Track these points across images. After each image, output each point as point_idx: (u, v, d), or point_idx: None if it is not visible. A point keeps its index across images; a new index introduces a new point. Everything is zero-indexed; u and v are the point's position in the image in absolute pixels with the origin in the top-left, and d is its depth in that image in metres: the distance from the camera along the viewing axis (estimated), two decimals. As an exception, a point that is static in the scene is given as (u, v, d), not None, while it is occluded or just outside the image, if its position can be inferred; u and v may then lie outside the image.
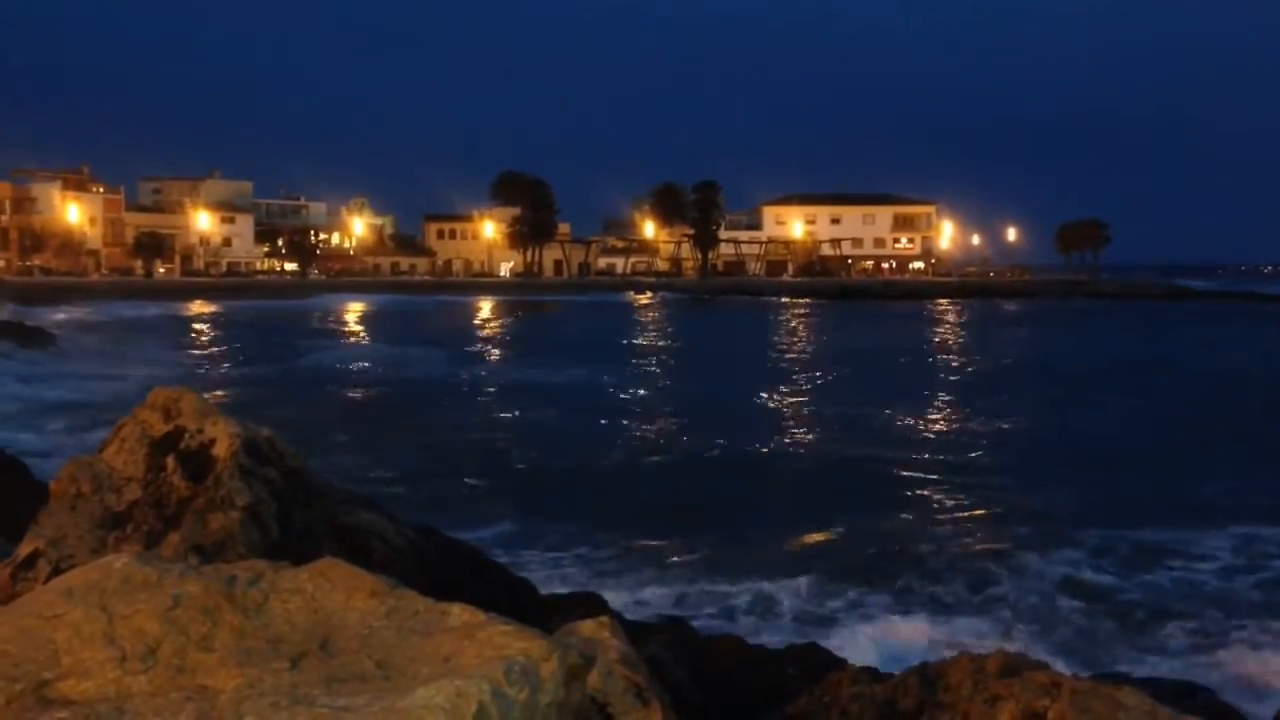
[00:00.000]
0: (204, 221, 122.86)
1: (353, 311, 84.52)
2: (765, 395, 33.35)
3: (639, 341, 56.00)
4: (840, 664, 7.42)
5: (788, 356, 47.72)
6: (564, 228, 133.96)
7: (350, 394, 33.66)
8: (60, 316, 60.85)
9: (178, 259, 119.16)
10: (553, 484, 19.51)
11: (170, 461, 5.83)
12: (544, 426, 26.84)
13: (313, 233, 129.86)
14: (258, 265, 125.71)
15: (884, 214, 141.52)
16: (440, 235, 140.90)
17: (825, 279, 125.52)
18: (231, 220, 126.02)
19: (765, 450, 23.73)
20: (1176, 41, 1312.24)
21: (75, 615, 3.01)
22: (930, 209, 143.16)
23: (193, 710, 2.65)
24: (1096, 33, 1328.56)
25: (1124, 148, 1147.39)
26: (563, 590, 9.97)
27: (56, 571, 4.97)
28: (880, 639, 11.19)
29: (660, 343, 55.69)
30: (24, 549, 5.47)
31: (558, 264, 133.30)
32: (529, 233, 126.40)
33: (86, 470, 5.86)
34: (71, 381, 33.16)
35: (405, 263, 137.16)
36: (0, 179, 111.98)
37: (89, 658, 2.88)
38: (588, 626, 4.23)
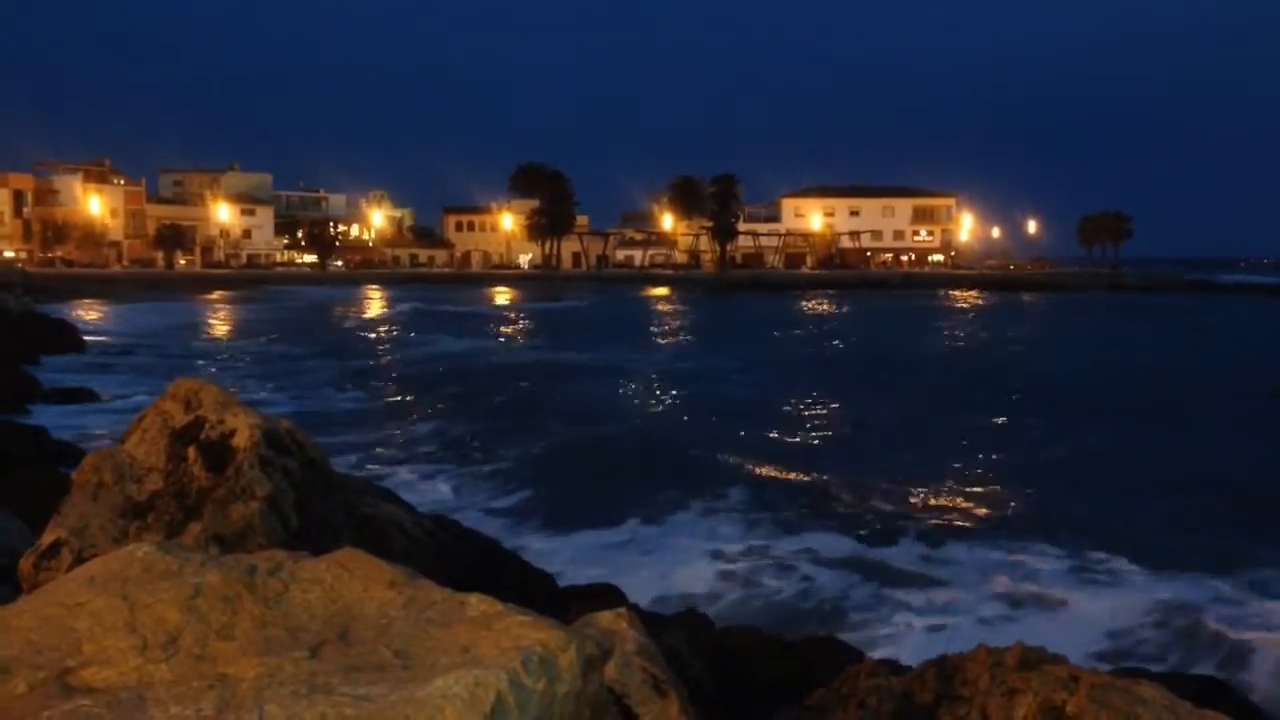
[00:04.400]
0: (224, 214, 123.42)
1: (381, 302, 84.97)
2: (809, 395, 33.15)
3: (665, 340, 55.86)
4: (858, 656, 7.43)
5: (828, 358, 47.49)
6: (582, 220, 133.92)
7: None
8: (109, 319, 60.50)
9: (198, 251, 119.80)
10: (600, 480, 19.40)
11: (191, 452, 5.87)
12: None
13: (332, 225, 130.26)
14: (277, 257, 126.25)
15: (903, 206, 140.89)
16: (459, 228, 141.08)
17: (845, 272, 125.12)
18: (251, 212, 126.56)
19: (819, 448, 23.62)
20: (1202, 32, 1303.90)
21: (97, 604, 3.03)
22: (950, 201, 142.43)
23: (213, 698, 2.67)
24: (1120, 24, 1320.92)
25: (1148, 140, 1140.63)
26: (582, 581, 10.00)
27: (79, 560, 5.01)
28: (896, 631, 11.18)
29: (691, 342, 55.24)
30: (46, 538, 5.52)
31: (576, 256, 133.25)
32: (547, 225, 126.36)
33: (108, 461, 5.90)
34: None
35: (424, 255, 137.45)
36: (23, 171, 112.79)
37: (111, 646, 2.91)
38: (605, 618, 4.24)
